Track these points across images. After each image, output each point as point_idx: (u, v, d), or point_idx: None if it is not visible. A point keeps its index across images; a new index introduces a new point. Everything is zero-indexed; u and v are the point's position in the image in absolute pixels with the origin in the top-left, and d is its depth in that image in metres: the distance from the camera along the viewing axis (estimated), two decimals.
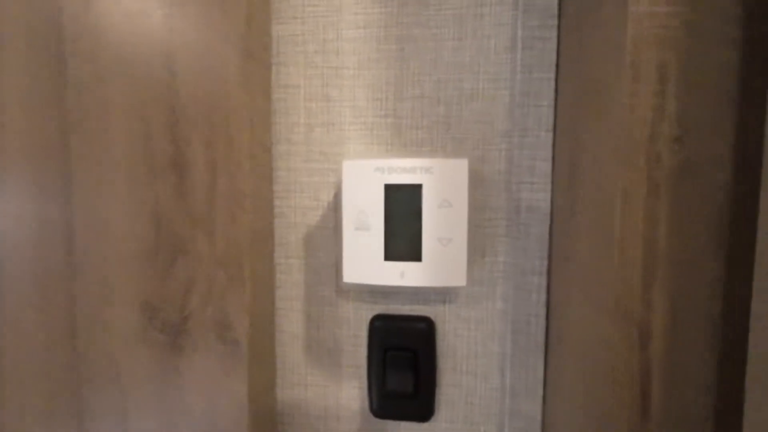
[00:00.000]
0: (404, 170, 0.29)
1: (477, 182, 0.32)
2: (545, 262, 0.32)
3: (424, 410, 0.33)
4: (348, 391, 0.35)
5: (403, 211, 0.30)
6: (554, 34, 0.30)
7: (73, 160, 0.29)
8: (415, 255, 0.30)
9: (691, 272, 0.20)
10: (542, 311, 0.32)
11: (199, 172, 0.28)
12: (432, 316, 0.34)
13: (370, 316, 0.34)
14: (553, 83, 0.31)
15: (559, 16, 0.30)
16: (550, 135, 0.31)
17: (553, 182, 0.31)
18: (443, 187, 0.29)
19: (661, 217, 0.20)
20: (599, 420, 0.22)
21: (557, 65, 0.31)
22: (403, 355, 0.33)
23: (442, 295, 0.33)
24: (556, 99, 0.31)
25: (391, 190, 0.30)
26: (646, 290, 0.20)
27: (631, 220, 0.20)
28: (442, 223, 0.29)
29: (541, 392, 0.33)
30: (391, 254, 0.30)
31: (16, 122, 0.30)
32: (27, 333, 0.31)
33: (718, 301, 0.20)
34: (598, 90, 0.23)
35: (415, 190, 0.30)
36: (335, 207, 0.34)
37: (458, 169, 0.29)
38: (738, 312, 0.19)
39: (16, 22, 0.29)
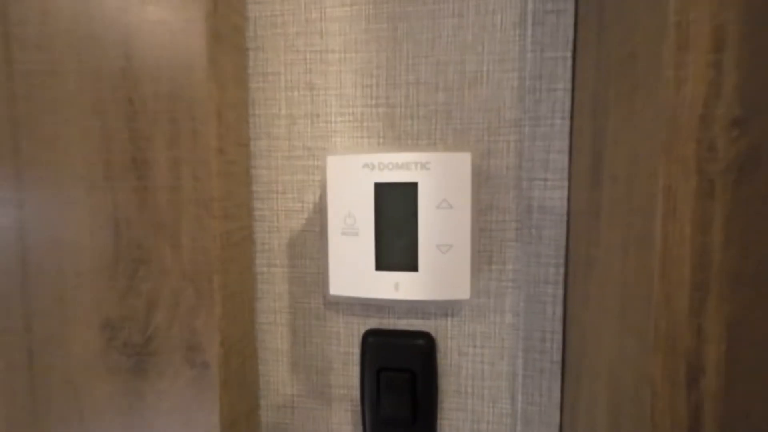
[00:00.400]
0: (397, 166, 0.26)
1: (482, 179, 0.28)
2: (562, 270, 0.28)
3: None
4: (339, 415, 0.31)
5: (396, 213, 0.26)
6: (571, 5, 0.26)
7: (23, 161, 0.26)
8: (410, 264, 0.26)
9: (753, 291, 0.15)
10: (558, 327, 0.28)
11: (161, 172, 0.25)
12: (432, 332, 0.30)
13: (362, 331, 0.30)
14: (570, 62, 0.26)
15: None
16: (567, 123, 0.27)
17: (570, 178, 0.27)
18: (442, 185, 0.25)
19: (716, 222, 0.15)
20: None
21: (575, 42, 0.26)
22: (399, 376, 0.29)
23: (444, 307, 0.29)
24: (573, 81, 0.26)
25: (382, 190, 0.26)
26: (696, 314, 0.16)
27: (676, 225, 0.16)
28: (442, 227, 0.25)
29: (557, 419, 0.28)
30: (383, 263, 0.26)
31: None
32: None
33: None
34: (630, 65, 0.18)
35: (409, 189, 0.26)
36: (322, 208, 0.30)
37: (460, 164, 0.25)
38: None
39: None
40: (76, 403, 0.27)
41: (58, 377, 0.27)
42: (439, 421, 0.30)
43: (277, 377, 0.32)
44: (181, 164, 0.24)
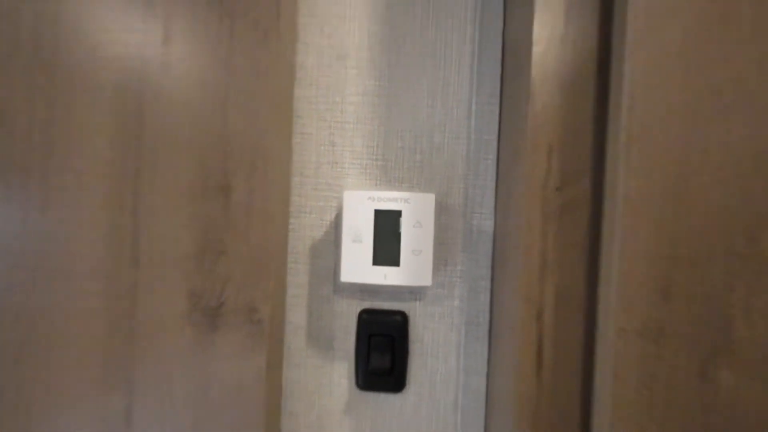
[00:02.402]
0: (389, 199, 0.41)
1: (442, 210, 0.44)
2: (489, 271, 0.43)
3: (398, 384, 0.43)
4: (339, 371, 0.45)
5: (387, 229, 0.41)
6: (497, 109, 0.43)
7: (143, 185, 0.39)
8: (395, 261, 0.41)
9: (568, 273, 0.31)
10: (487, 308, 0.43)
11: (240, 195, 0.39)
12: (406, 311, 0.44)
13: (358, 310, 0.44)
14: (495, 143, 0.43)
15: (501, 97, 0.43)
16: (494, 178, 0.43)
17: (495, 213, 0.43)
18: (417, 212, 0.41)
19: (550, 235, 0.31)
20: (513, 370, 0.33)
21: (499, 131, 0.43)
22: (383, 340, 0.43)
23: (414, 294, 0.44)
24: (498, 154, 0.43)
25: (379, 214, 0.41)
26: (540, 283, 0.31)
27: (533, 236, 0.31)
28: (415, 239, 0.41)
29: (485, 370, 0.43)
30: (377, 260, 0.41)
31: (101, 152, 0.40)
32: (93, 311, 0.39)
33: (584, 291, 0.31)
34: (517, 154, 0.35)
35: (396, 215, 0.41)
36: (336, 225, 0.44)
37: (428, 200, 0.41)
38: (594, 301, 0.31)
39: (100, 79, 0.40)
40: (165, 348, 0.39)
41: (153, 329, 0.39)
42: (408, 373, 0.44)
43: (296, 344, 0.45)
44: (253, 191, 0.39)
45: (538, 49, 0.32)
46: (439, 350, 0.44)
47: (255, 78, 0.39)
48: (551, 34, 0.32)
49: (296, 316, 0.45)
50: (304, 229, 0.45)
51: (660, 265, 0.27)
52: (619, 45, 0.29)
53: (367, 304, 0.44)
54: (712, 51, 0.26)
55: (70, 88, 0.39)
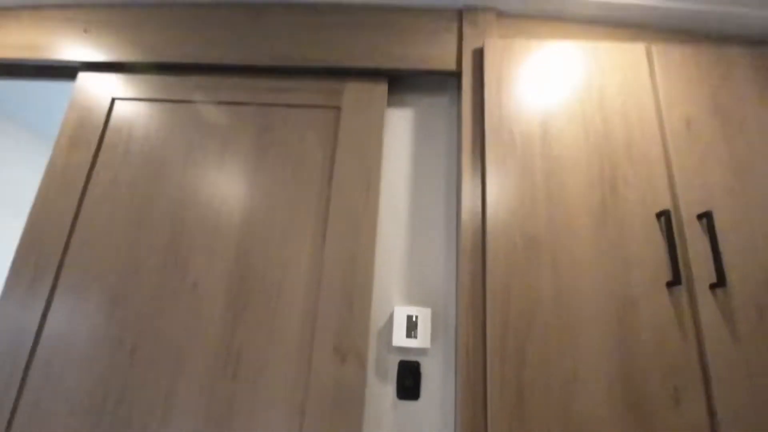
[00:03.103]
0: (413, 311, 1.00)
1: (434, 316, 1.03)
2: (454, 343, 1.00)
3: (415, 395, 0.98)
4: (390, 387, 0.99)
5: (412, 325, 0.99)
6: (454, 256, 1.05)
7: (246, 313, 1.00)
8: (415, 336, 0.98)
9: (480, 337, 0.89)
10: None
11: (356, 311, 0.99)
12: (420, 361, 1.00)
13: (398, 360, 1.01)
14: (455, 276, 1.04)
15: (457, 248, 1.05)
16: (454, 299, 1.03)
17: (456, 315, 1.02)
18: (424, 317, 1.00)
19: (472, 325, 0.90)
20: (459, 391, 0.89)
21: (456, 270, 1.04)
22: (409, 373, 0.99)
23: (423, 353, 1.01)
24: (456, 284, 1.03)
25: (409, 318, 1.00)
26: (474, 347, 0.89)
27: (465, 327, 0.90)
28: (422, 331, 0.99)
29: (454, 388, 0.98)
30: (407, 335, 0.99)
31: (218, 285, 1.01)
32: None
33: (481, 343, 0.88)
34: (458, 282, 0.95)
35: (416, 318, 1.00)
36: (390, 322, 1.03)
37: (427, 312, 1.00)
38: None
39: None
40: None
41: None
42: (421, 390, 0.99)
43: (371, 373, 1.00)
44: (363, 310, 0.98)
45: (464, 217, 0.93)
46: (435, 378, 0.99)
47: (348, 255, 1.02)
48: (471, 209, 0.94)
49: (372, 359, 1.01)
50: (377, 323, 1.03)
51: None
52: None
53: (403, 356, 1.01)
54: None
55: (191, 240, 1.02)
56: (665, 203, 0.93)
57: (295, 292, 1.01)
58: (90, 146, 1.17)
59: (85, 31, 1.26)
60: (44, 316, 1.02)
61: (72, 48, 1.25)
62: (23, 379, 0.97)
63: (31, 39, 1.27)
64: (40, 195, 1.13)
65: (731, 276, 0.87)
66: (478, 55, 1.12)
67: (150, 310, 1.01)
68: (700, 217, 0.91)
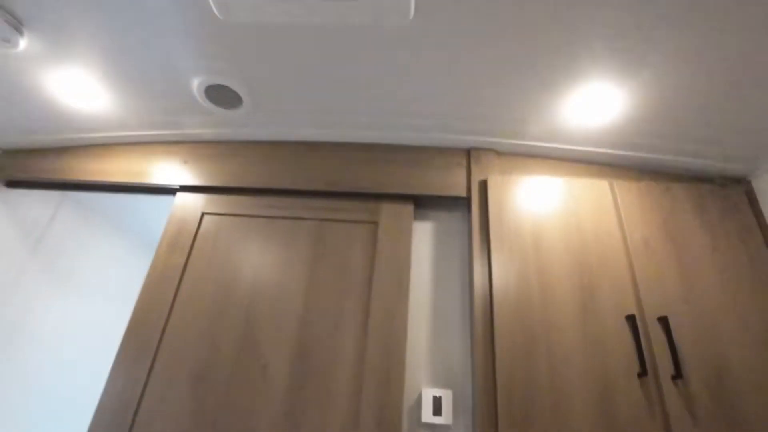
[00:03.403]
0: (438, 393, 1.25)
1: (455, 397, 1.27)
2: (471, 417, 1.23)
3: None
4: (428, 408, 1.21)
5: (437, 405, 1.24)
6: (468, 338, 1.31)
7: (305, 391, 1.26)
8: (440, 414, 1.22)
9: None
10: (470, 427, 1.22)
11: (393, 386, 1.24)
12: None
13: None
14: (470, 354, 1.29)
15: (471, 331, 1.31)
16: (470, 377, 1.27)
17: (472, 394, 1.26)
18: (446, 397, 1.24)
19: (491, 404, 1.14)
20: None
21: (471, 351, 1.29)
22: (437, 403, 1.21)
23: (447, 429, 1.23)
24: (472, 363, 1.28)
25: (435, 398, 1.24)
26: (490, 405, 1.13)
27: (483, 408, 1.14)
28: (447, 407, 1.23)
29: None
30: (434, 413, 1.22)
31: (281, 367, 1.27)
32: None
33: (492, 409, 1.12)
34: (474, 362, 1.21)
35: (440, 399, 1.24)
36: (419, 401, 1.27)
37: (449, 393, 1.25)
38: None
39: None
40: None
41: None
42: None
43: None
44: (396, 390, 1.23)
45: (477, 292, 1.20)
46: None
47: (390, 327, 1.29)
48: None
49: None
50: (408, 401, 1.28)
51: None
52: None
53: None
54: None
55: (261, 329, 1.30)
56: (632, 308, 1.21)
57: (343, 374, 1.27)
58: (184, 251, 1.51)
59: (185, 162, 1.68)
60: (145, 385, 1.29)
61: (173, 174, 1.66)
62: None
63: (142, 167, 1.69)
64: (145, 289, 1.45)
65: (686, 369, 1.12)
66: (483, 186, 1.48)
67: (226, 387, 1.27)
68: (660, 319, 1.18)
